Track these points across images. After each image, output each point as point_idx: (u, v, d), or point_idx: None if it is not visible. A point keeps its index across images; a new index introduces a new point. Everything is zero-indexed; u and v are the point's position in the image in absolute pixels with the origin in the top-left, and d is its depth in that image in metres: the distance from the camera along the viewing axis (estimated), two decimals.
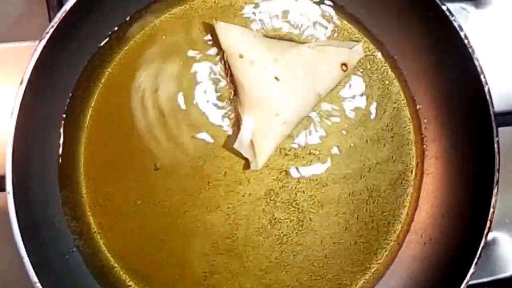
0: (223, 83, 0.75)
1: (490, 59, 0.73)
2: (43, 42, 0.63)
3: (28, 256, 0.62)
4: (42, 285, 0.63)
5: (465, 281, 0.67)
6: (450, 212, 0.74)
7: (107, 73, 0.74)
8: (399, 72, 0.77)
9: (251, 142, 0.72)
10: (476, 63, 0.68)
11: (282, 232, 0.75)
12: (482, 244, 0.67)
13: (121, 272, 0.74)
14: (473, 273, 0.67)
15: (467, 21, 0.83)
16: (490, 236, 0.71)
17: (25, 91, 0.63)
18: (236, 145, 0.73)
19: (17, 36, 0.76)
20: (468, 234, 0.70)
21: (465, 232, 0.71)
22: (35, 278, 0.63)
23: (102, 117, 0.74)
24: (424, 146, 0.77)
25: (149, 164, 0.74)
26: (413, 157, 0.77)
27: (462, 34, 0.68)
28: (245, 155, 0.73)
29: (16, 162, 0.63)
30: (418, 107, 0.77)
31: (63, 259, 0.70)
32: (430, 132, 0.77)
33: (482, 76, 0.68)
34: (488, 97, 0.68)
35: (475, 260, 0.67)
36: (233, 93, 0.74)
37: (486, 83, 0.68)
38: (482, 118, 0.68)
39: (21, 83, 0.63)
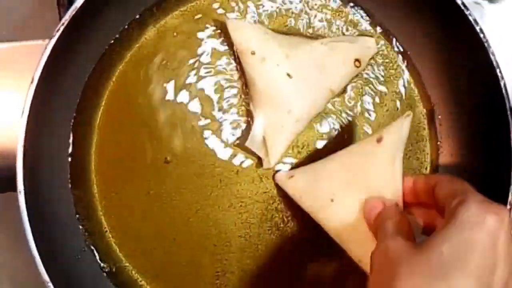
0: (234, 80, 0.74)
1: (505, 54, 0.71)
2: (54, 40, 0.63)
3: (40, 255, 0.62)
4: (54, 284, 0.62)
5: None
6: None
7: (118, 71, 0.73)
8: (413, 68, 0.76)
9: (263, 140, 0.71)
10: (492, 57, 0.67)
11: (296, 231, 0.74)
12: None
13: (133, 272, 0.73)
14: None
15: (482, 16, 0.82)
16: None
17: (35, 90, 0.62)
18: (248, 143, 0.72)
19: (27, 35, 0.76)
20: None
21: None
22: (46, 278, 0.62)
23: (114, 115, 0.73)
24: (439, 142, 0.76)
25: (161, 162, 0.73)
26: (427, 154, 0.76)
27: (477, 28, 0.67)
28: (257, 153, 0.72)
29: (26, 161, 0.63)
30: (432, 103, 0.76)
31: (74, 259, 0.70)
32: (445, 129, 0.76)
33: (498, 71, 0.66)
34: (504, 92, 0.66)
35: None
36: (244, 90, 0.74)
37: (502, 78, 0.66)
38: (498, 114, 0.67)
39: (31, 82, 0.62)
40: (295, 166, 0.74)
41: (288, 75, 0.69)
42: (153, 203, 0.73)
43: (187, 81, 0.74)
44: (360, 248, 0.66)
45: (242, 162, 0.74)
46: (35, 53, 0.64)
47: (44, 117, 0.65)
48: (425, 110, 0.76)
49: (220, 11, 0.75)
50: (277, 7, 0.75)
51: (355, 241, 0.67)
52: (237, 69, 0.74)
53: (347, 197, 0.67)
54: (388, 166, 0.69)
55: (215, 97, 0.74)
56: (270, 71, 0.69)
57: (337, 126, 0.75)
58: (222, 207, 0.73)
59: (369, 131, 0.75)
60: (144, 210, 0.73)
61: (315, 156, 0.73)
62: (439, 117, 0.76)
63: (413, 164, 0.76)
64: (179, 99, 0.73)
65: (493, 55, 0.67)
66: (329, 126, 0.75)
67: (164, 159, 0.73)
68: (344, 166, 0.69)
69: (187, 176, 0.73)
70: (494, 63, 0.67)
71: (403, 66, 0.76)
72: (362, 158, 0.68)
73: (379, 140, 0.67)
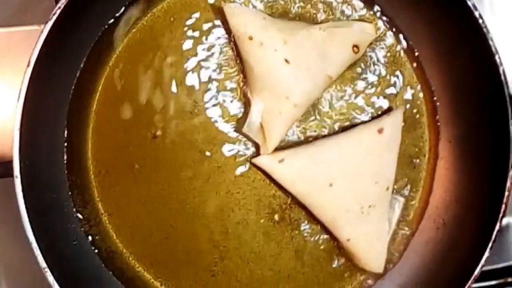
0: (232, 65, 0.74)
1: (504, 39, 0.71)
2: (50, 23, 0.62)
3: (37, 241, 0.62)
4: (51, 270, 0.62)
5: (479, 266, 0.66)
6: (464, 196, 0.73)
7: (115, 55, 0.73)
8: (412, 53, 0.76)
9: (261, 126, 0.71)
10: (491, 42, 0.66)
11: (293, 218, 0.74)
12: (497, 228, 0.66)
13: (130, 258, 0.73)
14: (487, 258, 0.66)
15: (481, 1, 0.82)
16: (505, 221, 0.70)
17: (32, 74, 0.62)
18: (245, 129, 0.72)
19: (23, 21, 0.75)
20: (482, 218, 0.69)
21: (480, 216, 0.70)
22: (44, 264, 0.62)
23: (110, 100, 0.73)
24: (438, 129, 0.76)
25: (158, 147, 0.73)
26: (426, 140, 0.76)
27: (476, 13, 0.66)
28: (254, 139, 0.72)
29: (23, 146, 0.63)
30: (431, 89, 0.76)
31: (71, 245, 0.70)
32: (444, 115, 0.75)
33: (497, 56, 0.66)
34: (503, 77, 0.66)
35: (490, 244, 0.66)
36: (242, 76, 0.73)
37: (501, 64, 0.66)
38: (497, 100, 0.67)
39: (28, 66, 0.62)
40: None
41: (286, 60, 0.69)
42: (151, 189, 0.73)
43: (184, 66, 0.73)
44: (351, 228, 0.71)
45: (239, 149, 0.73)
46: (31, 39, 0.63)
47: (40, 101, 0.65)
48: (424, 97, 0.76)
49: None
50: None
51: (347, 223, 0.70)
52: (234, 55, 0.73)
53: (346, 182, 0.69)
54: (387, 154, 0.71)
55: (212, 83, 0.73)
56: (268, 56, 0.69)
57: (333, 113, 0.75)
58: (219, 193, 0.73)
59: (366, 118, 0.75)
60: (141, 197, 0.73)
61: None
62: (438, 103, 0.76)
63: (411, 151, 0.75)
64: (175, 84, 0.73)
65: (492, 40, 0.66)
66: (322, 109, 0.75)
67: (159, 142, 0.73)
68: (344, 152, 0.70)
69: (185, 162, 0.73)
70: (493, 48, 0.66)
71: (402, 52, 0.76)
72: (363, 147, 0.71)
73: (380, 131, 0.69)
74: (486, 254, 0.66)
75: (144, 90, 0.73)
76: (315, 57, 0.70)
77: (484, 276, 0.79)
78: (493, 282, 0.81)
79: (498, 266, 0.81)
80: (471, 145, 0.73)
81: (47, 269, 0.62)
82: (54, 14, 0.62)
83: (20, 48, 0.73)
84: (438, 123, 0.76)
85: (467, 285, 0.66)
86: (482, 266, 0.66)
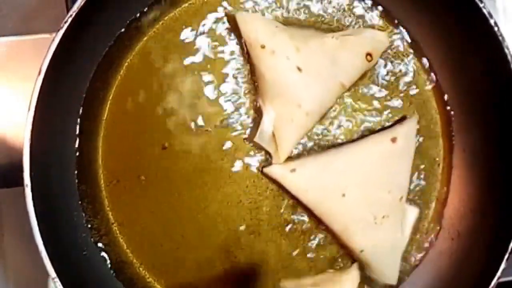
0: (244, 73, 0.73)
1: None
2: (62, 31, 0.62)
3: (47, 250, 0.61)
4: (60, 280, 0.61)
5: (495, 278, 0.65)
6: (479, 206, 0.72)
7: (126, 64, 0.72)
8: (426, 62, 0.75)
9: (273, 135, 0.70)
10: (506, 51, 0.66)
11: (305, 228, 0.73)
12: None
13: (140, 268, 0.72)
14: (503, 270, 0.65)
15: (495, 8, 0.81)
16: None
17: (43, 82, 0.61)
18: (257, 138, 0.71)
19: (33, 29, 0.75)
20: (498, 229, 0.68)
21: (495, 227, 0.69)
22: (53, 273, 0.61)
23: (121, 109, 0.72)
24: (451, 138, 0.75)
25: (169, 157, 0.72)
26: (440, 150, 0.75)
27: (491, 21, 0.65)
28: (266, 148, 0.71)
29: (33, 155, 0.62)
30: (445, 98, 0.75)
31: (81, 254, 0.69)
32: (457, 124, 0.75)
33: None
34: None
35: (506, 255, 0.65)
36: (254, 84, 0.73)
37: None
38: None
39: (39, 74, 0.61)
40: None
41: (298, 68, 0.68)
42: (162, 199, 0.72)
43: (194, 75, 0.72)
44: (365, 239, 0.70)
45: (251, 158, 0.73)
46: (42, 47, 0.63)
47: (51, 110, 0.64)
48: (438, 106, 0.75)
49: (231, 4, 0.73)
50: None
51: (360, 233, 0.70)
52: (246, 63, 0.73)
53: (358, 192, 0.68)
54: (400, 164, 0.70)
55: (223, 92, 0.73)
56: (280, 64, 0.68)
57: (345, 121, 0.74)
58: (230, 203, 0.73)
59: (379, 127, 0.74)
60: (152, 206, 0.72)
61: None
62: (452, 112, 0.75)
63: (425, 160, 0.75)
64: (186, 94, 0.72)
65: (508, 48, 0.66)
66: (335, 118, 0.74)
67: (169, 151, 0.72)
68: (357, 162, 0.70)
69: (196, 172, 0.72)
70: (509, 57, 0.66)
71: (416, 60, 0.75)
72: (376, 156, 0.70)
73: (393, 140, 0.69)
74: (503, 265, 0.65)
75: (155, 99, 0.72)
76: (328, 65, 0.70)
77: None
78: None
79: None
80: (486, 155, 0.72)
81: (56, 279, 0.61)
82: (65, 23, 0.62)
83: (29, 57, 0.73)
84: (452, 132, 0.75)
85: None
86: (499, 278, 0.65)
